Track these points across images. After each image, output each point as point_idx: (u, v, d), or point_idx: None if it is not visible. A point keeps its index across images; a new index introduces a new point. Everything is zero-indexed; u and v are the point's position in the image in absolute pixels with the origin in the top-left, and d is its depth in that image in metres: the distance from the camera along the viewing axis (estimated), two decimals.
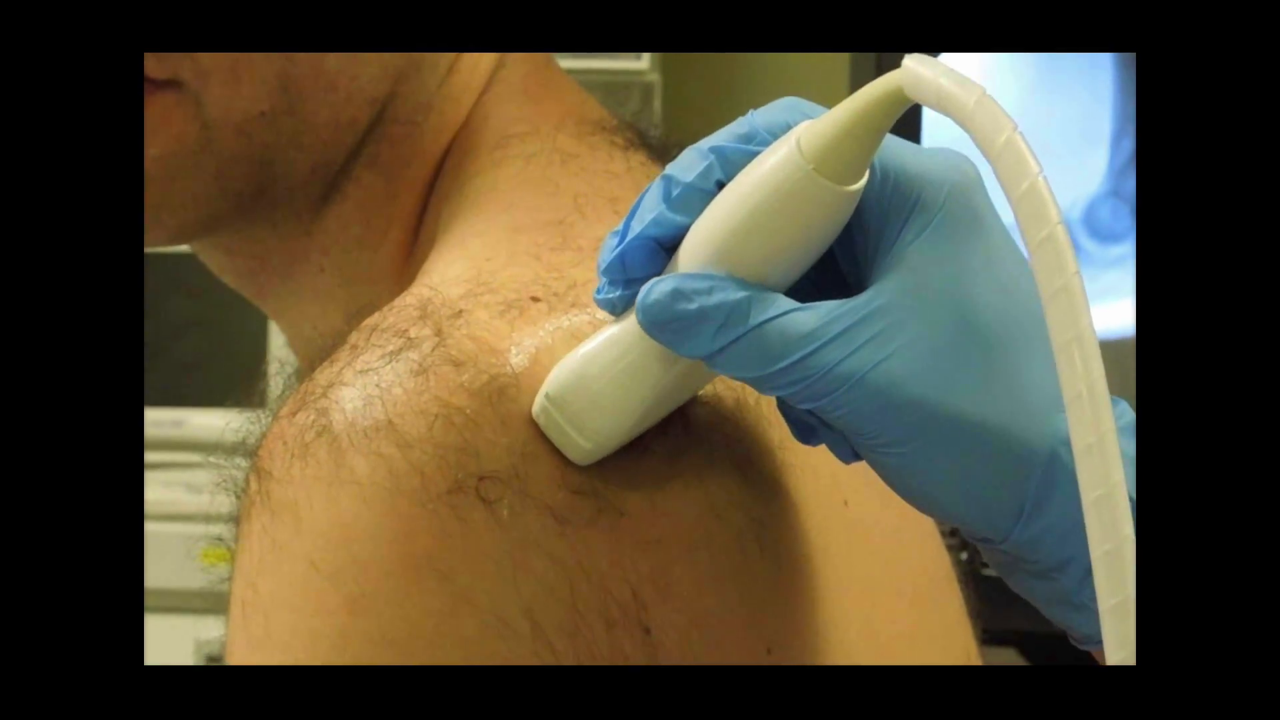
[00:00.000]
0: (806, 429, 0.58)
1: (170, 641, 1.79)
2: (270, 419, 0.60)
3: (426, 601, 0.55)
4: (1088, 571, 0.53)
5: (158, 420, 1.89)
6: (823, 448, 0.58)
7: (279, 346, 1.88)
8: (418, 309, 0.60)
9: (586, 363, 0.57)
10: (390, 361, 0.58)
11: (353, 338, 0.60)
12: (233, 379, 1.91)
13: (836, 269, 0.58)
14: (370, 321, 0.60)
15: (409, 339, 0.58)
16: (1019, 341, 0.55)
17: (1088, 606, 0.55)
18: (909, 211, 0.55)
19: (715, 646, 0.58)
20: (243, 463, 0.61)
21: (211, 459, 0.66)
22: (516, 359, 0.58)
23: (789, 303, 0.54)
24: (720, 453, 0.60)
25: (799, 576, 0.61)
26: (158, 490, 1.87)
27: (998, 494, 0.55)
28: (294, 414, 0.58)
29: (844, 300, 0.54)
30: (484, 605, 0.55)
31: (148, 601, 1.84)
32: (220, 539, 0.69)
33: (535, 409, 0.57)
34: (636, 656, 0.56)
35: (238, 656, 0.58)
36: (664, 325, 0.55)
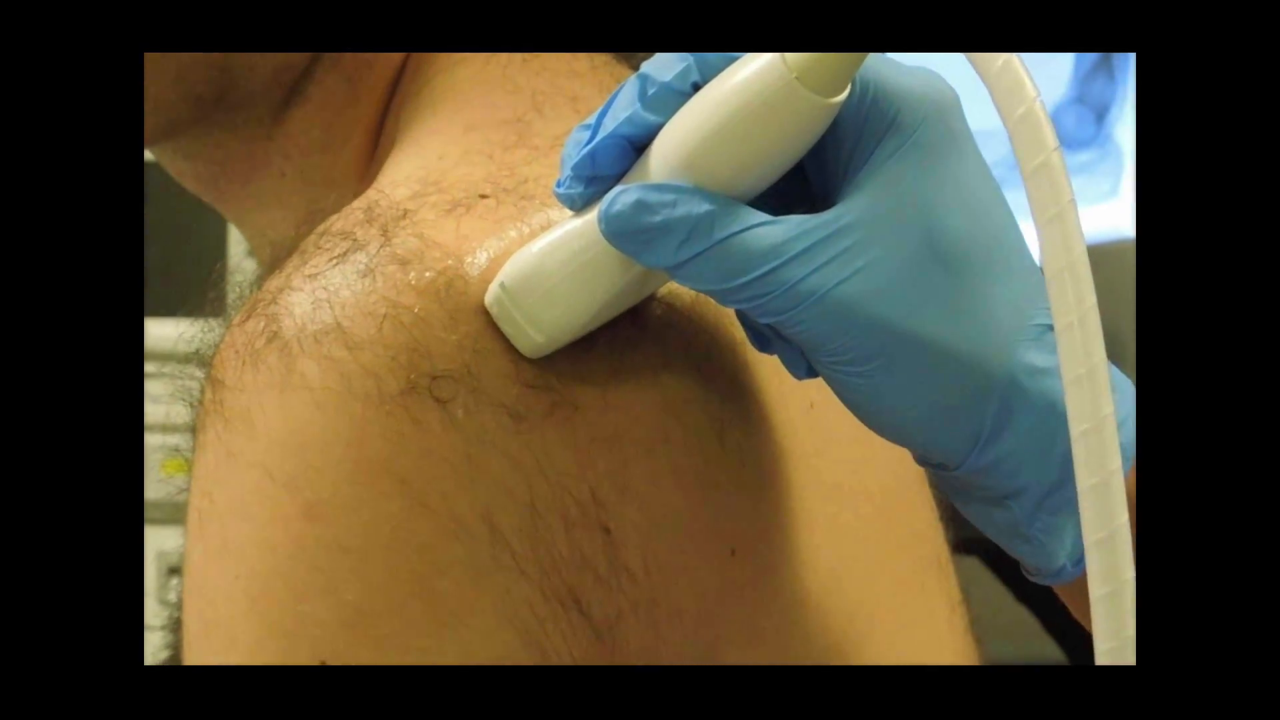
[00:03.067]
0: (763, 339, 0.57)
1: None
2: (225, 328, 0.59)
3: (383, 506, 0.54)
4: (1038, 502, 0.54)
5: None
6: (771, 366, 0.58)
7: (238, 255, 1.87)
8: (364, 212, 0.59)
9: (544, 256, 0.56)
10: (337, 265, 0.57)
11: (302, 244, 0.60)
12: (189, 287, 1.91)
13: (804, 181, 0.57)
14: (320, 228, 0.60)
15: (355, 241, 0.58)
16: (986, 267, 0.55)
17: (1038, 538, 0.56)
18: (885, 129, 0.55)
19: (676, 548, 0.57)
20: (198, 373, 0.60)
21: (167, 369, 0.65)
22: (463, 255, 0.57)
23: (755, 216, 0.54)
24: (676, 350, 0.59)
25: (763, 477, 0.60)
26: None
27: (954, 419, 0.55)
28: (244, 322, 0.58)
29: (810, 215, 0.54)
30: (441, 509, 0.54)
31: None
32: (178, 450, 0.69)
33: (489, 299, 0.56)
34: (597, 558, 0.56)
35: (195, 568, 0.58)
36: (626, 236, 0.54)
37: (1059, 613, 0.62)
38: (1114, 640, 0.51)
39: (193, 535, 0.58)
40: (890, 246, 0.53)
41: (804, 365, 0.56)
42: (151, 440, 1.89)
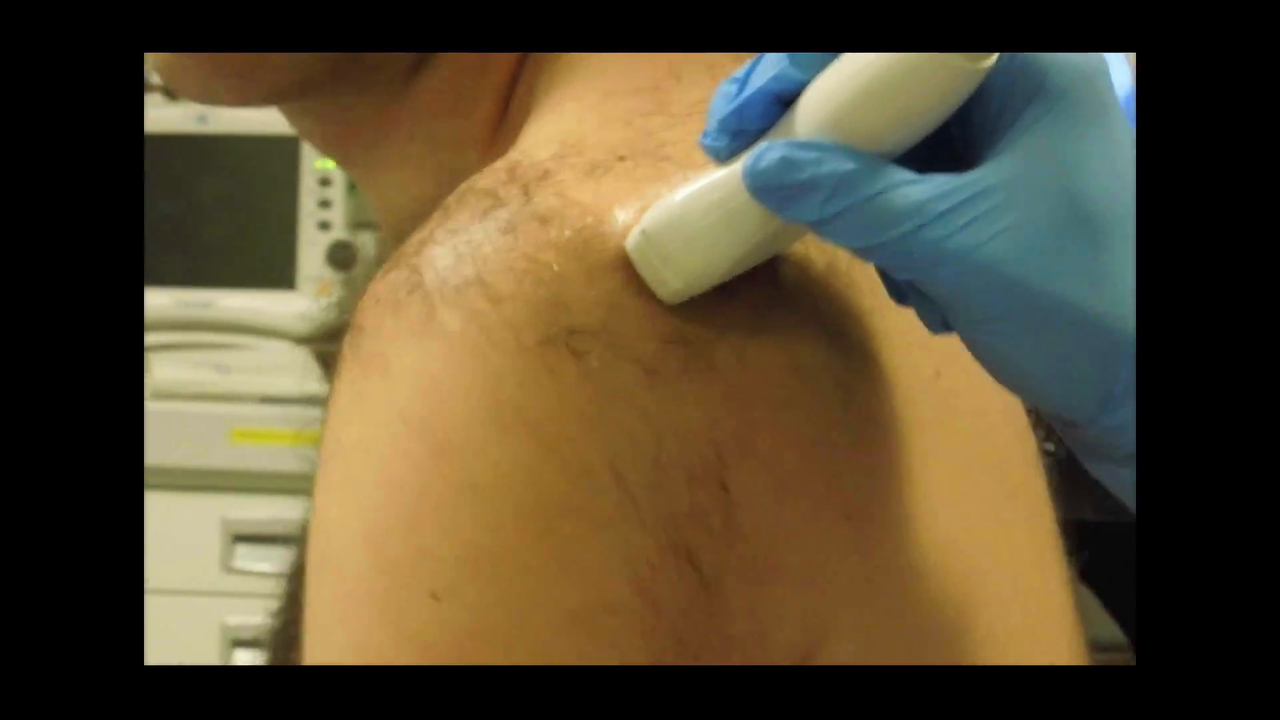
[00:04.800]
0: (900, 293, 0.59)
1: (197, 519, 1.82)
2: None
3: (513, 451, 0.56)
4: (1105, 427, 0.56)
5: (186, 301, 1.90)
6: (913, 318, 0.59)
7: (309, 228, 1.90)
8: (506, 171, 0.60)
9: (686, 205, 0.57)
10: (480, 221, 0.58)
11: (445, 201, 0.61)
12: (263, 260, 1.93)
13: (948, 141, 0.58)
14: (462, 186, 0.61)
15: (498, 199, 0.59)
16: (1126, 234, 0.56)
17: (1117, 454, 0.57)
18: (1033, 93, 0.56)
19: (791, 508, 0.59)
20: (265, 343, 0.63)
21: (234, 340, 0.68)
22: (601, 214, 0.58)
23: (900, 174, 0.55)
24: (809, 314, 0.60)
25: (883, 445, 0.61)
26: (186, 370, 1.88)
27: (1087, 379, 0.56)
28: (387, 273, 0.59)
29: (955, 175, 0.55)
30: (569, 456, 0.56)
31: (176, 480, 1.87)
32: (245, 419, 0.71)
33: (629, 243, 0.57)
34: (713, 514, 0.57)
35: (317, 507, 0.59)
36: (771, 191, 0.55)
37: (1120, 594, 0.63)
38: None
39: (320, 476, 0.59)
40: (1033, 209, 0.55)
41: (940, 321, 0.58)
42: (221, 410, 1.92)
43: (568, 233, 0.58)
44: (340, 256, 1.85)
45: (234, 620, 1.83)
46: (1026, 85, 0.56)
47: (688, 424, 0.57)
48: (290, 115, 0.77)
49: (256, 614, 1.82)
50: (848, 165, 0.54)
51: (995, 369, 0.58)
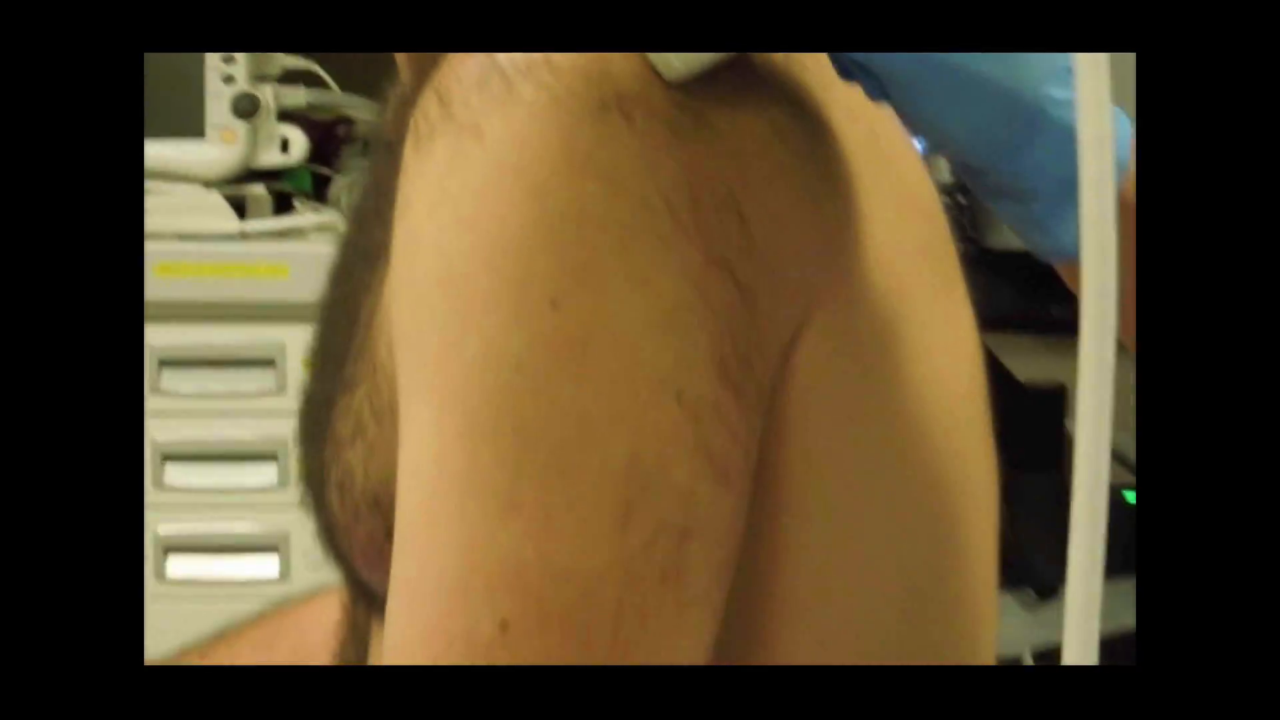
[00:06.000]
0: (847, 72, 0.71)
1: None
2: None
3: (591, 188, 0.67)
4: (1054, 200, 0.69)
5: None
6: (848, 93, 0.72)
7: (214, 82, 2.02)
8: None
9: None
10: None
11: None
12: (174, 112, 2.00)
13: None
14: None
15: None
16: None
17: (1051, 228, 0.71)
18: None
19: (786, 232, 0.71)
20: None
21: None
22: None
23: None
24: (776, 90, 0.72)
25: (844, 186, 0.74)
26: None
27: (996, 134, 0.69)
28: (465, 61, 0.70)
29: None
30: (633, 191, 0.68)
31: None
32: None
33: None
34: (735, 234, 0.69)
35: (433, 244, 0.69)
36: None
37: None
38: (1099, 278, 0.59)
39: (426, 221, 0.69)
40: None
41: (880, 91, 0.70)
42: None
43: None
44: (244, 105, 2.00)
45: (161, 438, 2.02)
46: None
47: (707, 169, 0.69)
48: None
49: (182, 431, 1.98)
50: None
51: (922, 130, 0.70)
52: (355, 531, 0.77)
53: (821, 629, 0.75)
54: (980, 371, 0.83)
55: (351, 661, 0.90)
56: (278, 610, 1.14)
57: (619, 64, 0.68)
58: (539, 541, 0.66)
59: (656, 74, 0.69)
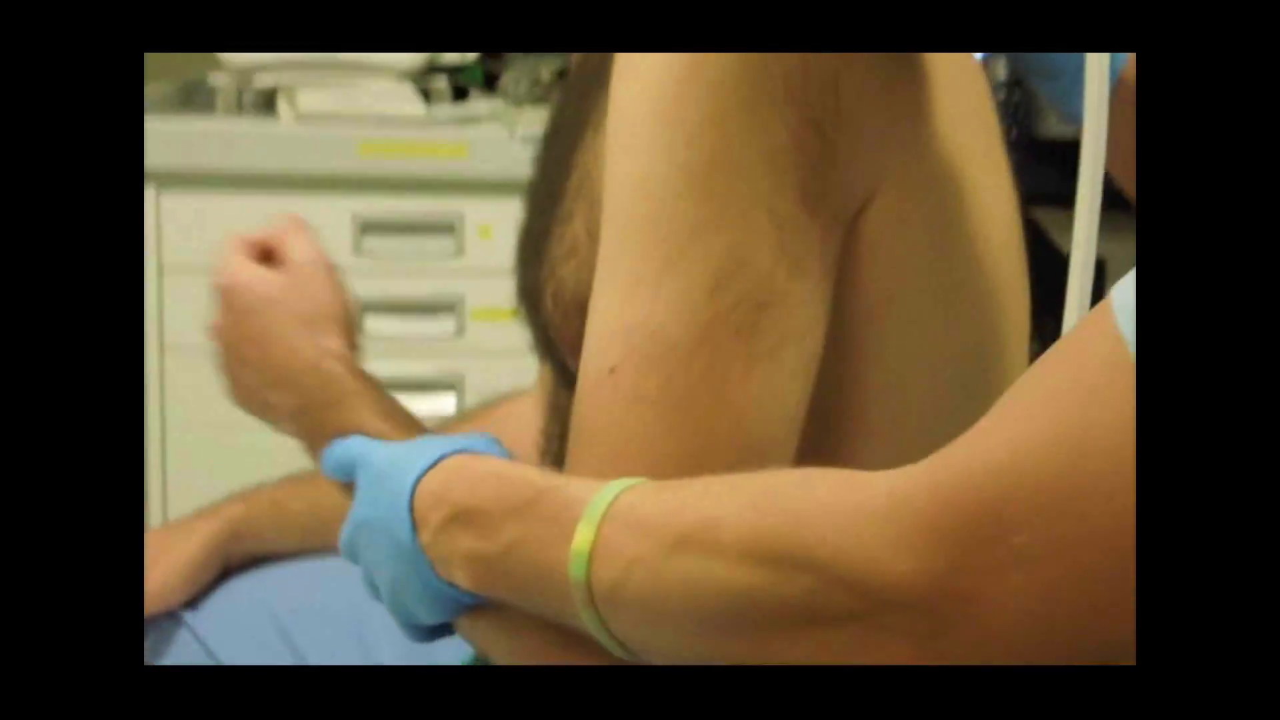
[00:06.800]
0: None
1: (334, 214, 2.27)
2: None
3: (729, 66, 0.87)
4: (1071, 78, 0.92)
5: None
6: None
7: None
8: None
9: None
10: None
11: None
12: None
13: None
14: None
15: None
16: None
17: (1071, 100, 0.94)
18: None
19: (869, 105, 0.90)
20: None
21: None
22: None
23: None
24: None
25: (918, 79, 0.93)
26: (320, 100, 2.30)
27: (1063, 72, 0.97)
28: None
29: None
30: (759, 67, 0.87)
31: (317, 184, 2.28)
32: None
33: None
34: (831, 102, 0.89)
35: (629, 146, 0.89)
36: None
37: None
38: (1094, 125, 0.85)
39: (626, 95, 0.90)
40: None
41: None
42: (348, 128, 2.30)
43: None
44: None
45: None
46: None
47: (820, 57, 0.88)
48: None
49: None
50: None
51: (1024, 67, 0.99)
52: (565, 330, 0.96)
53: (891, 408, 0.94)
54: (1017, 223, 1.01)
55: (553, 437, 1.07)
56: (478, 411, 1.35)
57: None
58: (647, 306, 0.87)
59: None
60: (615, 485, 0.80)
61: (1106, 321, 0.65)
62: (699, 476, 0.81)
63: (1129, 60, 0.95)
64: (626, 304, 0.88)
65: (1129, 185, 0.97)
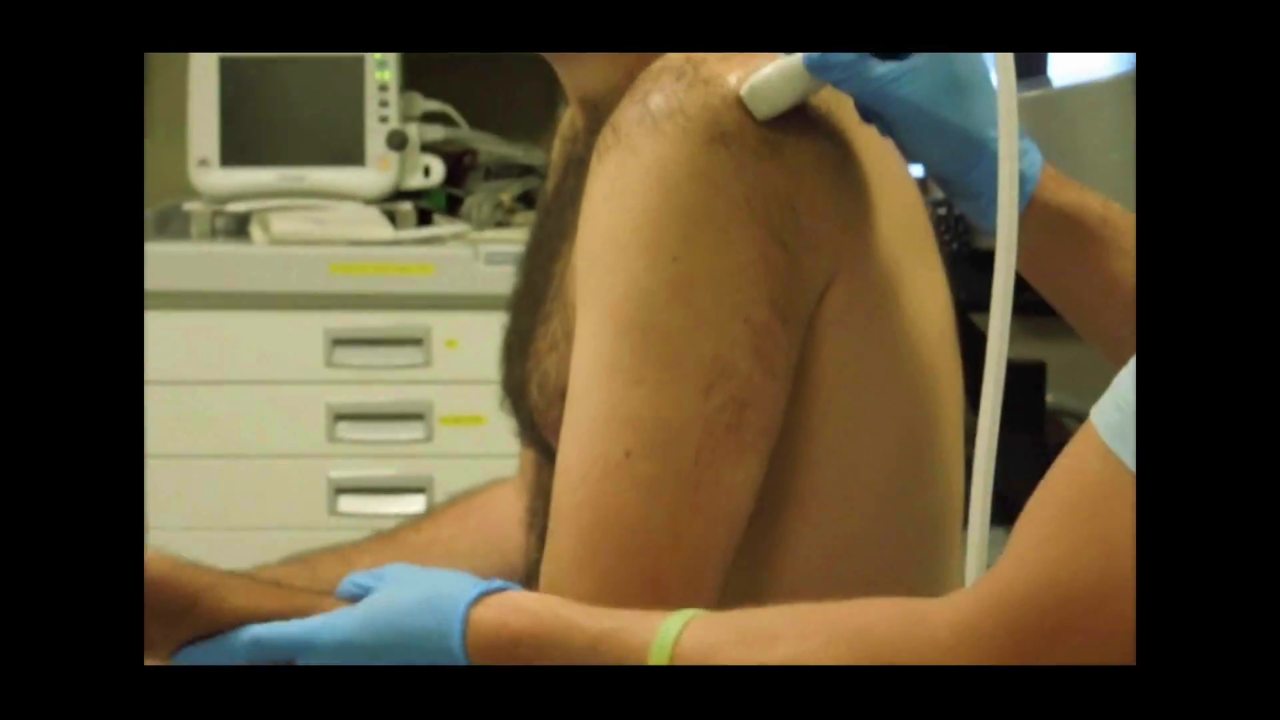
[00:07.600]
0: (866, 116, 1.02)
1: (305, 330, 2.41)
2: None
3: (701, 189, 0.99)
4: (990, 200, 0.97)
5: (287, 175, 2.48)
6: (868, 131, 1.03)
7: (373, 121, 2.48)
8: (678, 60, 1.02)
9: (771, 71, 0.99)
10: (674, 81, 1.00)
11: (644, 75, 1.02)
12: (340, 145, 2.50)
13: None
14: (655, 67, 1.02)
15: (681, 71, 1.01)
16: (983, 90, 1.00)
17: (990, 217, 0.98)
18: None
19: (823, 217, 1.01)
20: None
21: None
22: (733, 80, 1.00)
23: (875, 63, 0.98)
24: (823, 126, 1.03)
25: (864, 190, 1.05)
26: (292, 225, 2.44)
27: (959, 156, 1.00)
28: (628, 108, 1.01)
29: (900, 63, 0.98)
30: (727, 192, 0.99)
31: (290, 303, 2.42)
32: None
33: (743, 91, 1.00)
34: (789, 219, 1.00)
35: (601, 225, 1.00)
36: (818, 68, 0.98)
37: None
38: (1006, 216, 0.96)
39: (603, 205, 1.00)
40: (934, 78, 0.98)
41: (886, 130, 1.01)
42: (318, 251, 2.36)
43: (719, 88, 1.00)
44: (395, 140, 2.48)
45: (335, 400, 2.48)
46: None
47: (775, 179, 1.00)
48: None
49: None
50: (851, 59, 0.99)
51: (913, 154, 1.02)
52: (548, 414, 1.07)
53: (837, 482, 1.05)
54: (950, 320, 1.12)
55: (538, 512, 1.13)
56: (462, 498, 1.39)
57: (725, 113, 1.01)
58: (651, 402, 0.98)
59: (749, 114, 1.00)
60: (669, 631, 0.88)
61: (1095, 442, 0.73)
62: (700, 558, 0.97)
63: (1039, 181, 1.06)
64: (629, 396, 0.99)
65: (1048, 294, 1.10)
